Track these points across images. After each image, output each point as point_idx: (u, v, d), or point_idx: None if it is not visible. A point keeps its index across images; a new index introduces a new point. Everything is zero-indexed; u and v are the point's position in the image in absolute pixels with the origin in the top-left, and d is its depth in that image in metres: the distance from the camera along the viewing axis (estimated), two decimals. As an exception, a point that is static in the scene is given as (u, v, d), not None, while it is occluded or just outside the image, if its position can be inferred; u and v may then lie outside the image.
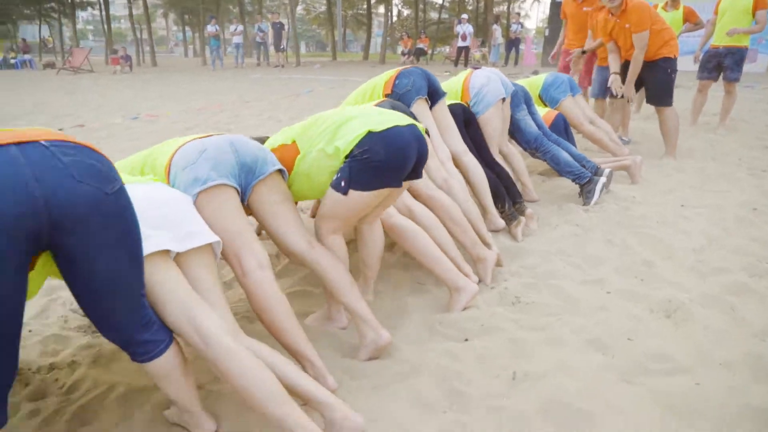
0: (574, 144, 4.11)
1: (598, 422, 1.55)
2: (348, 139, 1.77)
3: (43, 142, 1.09)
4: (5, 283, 1.05)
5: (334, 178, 1.82)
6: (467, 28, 17.11)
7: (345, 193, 1.78)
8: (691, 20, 6.07)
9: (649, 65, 4.48)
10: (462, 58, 17.70)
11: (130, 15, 24.07)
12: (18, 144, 1.05)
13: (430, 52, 22.84)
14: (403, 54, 21.07)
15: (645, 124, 6.51)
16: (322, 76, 15.46)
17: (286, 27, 19.99)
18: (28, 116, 8.15)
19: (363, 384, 1.74)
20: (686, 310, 2.15)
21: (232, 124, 7.01)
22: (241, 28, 19.50)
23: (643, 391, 1.69)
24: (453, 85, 3.35)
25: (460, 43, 17.43)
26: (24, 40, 26.81)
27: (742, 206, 3.46)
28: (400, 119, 1.83)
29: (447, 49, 27.96)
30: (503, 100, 3.26)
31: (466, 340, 2.02)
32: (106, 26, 24.58)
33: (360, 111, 1.89)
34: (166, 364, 1.40)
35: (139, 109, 8.63)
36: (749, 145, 5.40)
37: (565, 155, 3.63)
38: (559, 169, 3.63)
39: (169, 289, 1.41)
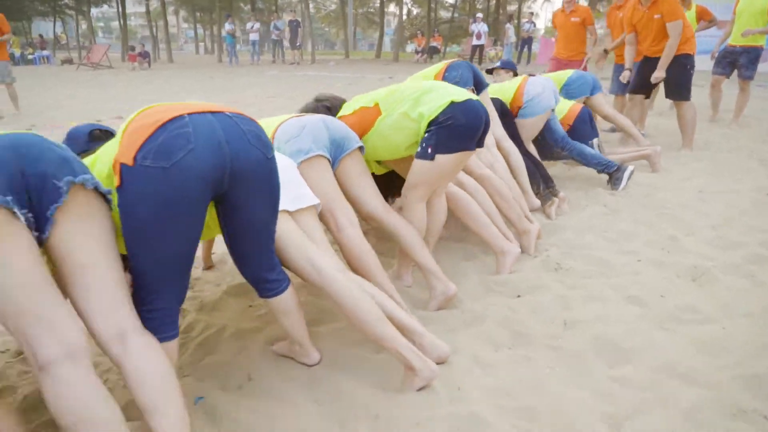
0: (597, 135, 4.39)
1: (641, 356, 1.84)
2: (433, 106, 2.07)
3: (228, 113, 1.39)
4: (195, 218, 1.35)
5: (419, 149, 2.11)
6: (482, 27, 17.39)
7: (432, 158, 2.08)
8: (705, 18, 6.32)
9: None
10: (476, 56, 17.97)
11: (147, 12, 24.47)
12: (212, 113, 1.35)
13: (442, 50, 23.09)
14: (416, 52, 21.36)
15: (659, 119, 6.78)
16: (337, 74, 15.77)
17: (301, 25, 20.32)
18: (63, 108, 8.49)
19: (437, 328, 2.03)
20: (710, 275, 2.44)
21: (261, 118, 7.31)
22: (257, 25, 19.86)
23: (677, 335, 1.98)
24: (507, 88, 3.62)
25: (475, 42, 17.71)
26: (41, 36, 27.27)
27: (756, 191, 3.74)
28: (471, 94, 2.14)
29: (457, 47, 28.25)
30: (551, 110, 3.57)
31: (519, 296, 2.31)
32: (121, 23, 25.00)
33: (437, 84, 2.20)
34: (286, 300, 1.70)
35: (170, 101, 8.93)
36: (761, 139, 5.66)
37: (590, 149, 3.94)
38: (587, 162, 3.92)
39: (290, 236, 1.72)
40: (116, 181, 1.26)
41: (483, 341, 1.95)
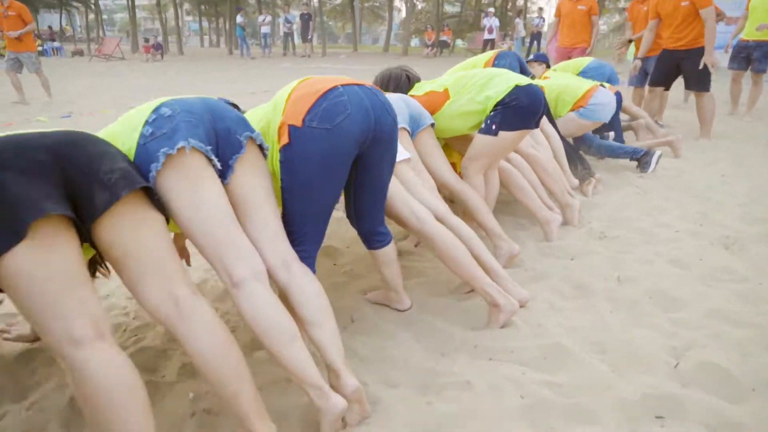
0: (619, 123, 4.64)
1: (691, 304, 2.11)
2: (500, 90, 2.34)
3: (368, 86, 1.65)
4: (345, 173, 1.62)
5: (483, 126, 2.39)
6: (494, 22, 17.66)
7: (496, 134, 2.35)
8: None
9: (689, 53, 5.02)
10: (487, 50, 18.20)
11: (158, 4, 24.69)
12: (357, 85, 1.61)
13: (451, 44, 23.33)
14: (426, 46, 21.61)
15: (676, 111, 7.07)
16: (350, 66, 15.99)
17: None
18: (89, 96, 8.73)
19: (506, 282, 2.30)
20: (741, 243, 2.72)
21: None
22: (269, 18, 20.10)
23: (718, 290, 2.25)
24: (575, 86, 3.85)
25: (486, 36, 17.98)
26: (50, 27, 27.46)
27: (776, 175, 4.01)
28: (530, 80, 2.41)
29: (462, 42, 28.44)
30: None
31: (572, 259, 2.58)
32: (130, 14, 25.20)
33: (501, 71, 2.46)
34: (389, 252, 1.96)
35: (190, 92, 9.19)
36: (775, 130, 5.94)
37: (615, 143, 4.22)
38: (615, 155, 4.19)
39: (395, 189, 1.98)
40: (284, 140, 1.52)
41: (550, 292, 2.22)
